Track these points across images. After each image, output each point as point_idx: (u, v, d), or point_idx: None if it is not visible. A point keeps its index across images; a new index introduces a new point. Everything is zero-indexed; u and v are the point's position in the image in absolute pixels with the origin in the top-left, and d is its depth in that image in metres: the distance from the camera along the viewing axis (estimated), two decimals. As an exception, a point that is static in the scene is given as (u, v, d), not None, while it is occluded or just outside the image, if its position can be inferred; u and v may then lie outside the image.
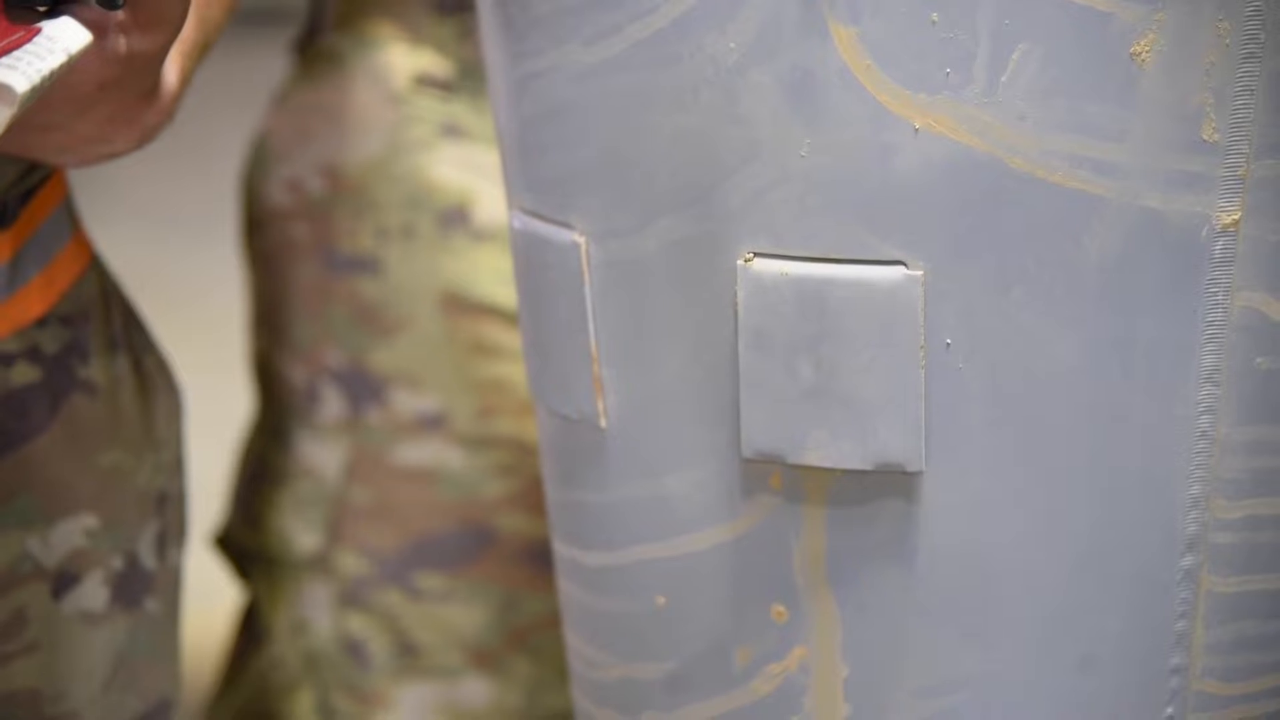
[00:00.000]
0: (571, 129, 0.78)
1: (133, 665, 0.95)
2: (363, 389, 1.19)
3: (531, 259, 0.83)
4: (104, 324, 0.94)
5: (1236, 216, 0.72)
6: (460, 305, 1.17)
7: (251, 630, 1.25)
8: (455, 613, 1.19)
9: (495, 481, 1.18)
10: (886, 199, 0.73)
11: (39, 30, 0.71)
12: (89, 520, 0.92)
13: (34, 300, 0.90)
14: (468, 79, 1.18)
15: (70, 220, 0.94)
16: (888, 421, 0.74)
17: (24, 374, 0.90)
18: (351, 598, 1.19)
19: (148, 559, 0.96)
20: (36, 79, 0.69)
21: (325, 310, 1.19)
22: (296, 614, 1.20)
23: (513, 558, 1.20)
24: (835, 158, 0.73)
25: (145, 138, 0.85)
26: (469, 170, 1.18)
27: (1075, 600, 0.76)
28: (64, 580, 0.91)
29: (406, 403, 1.18)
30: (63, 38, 0.71)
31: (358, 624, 1.19)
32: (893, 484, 0.76)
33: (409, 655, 1.19)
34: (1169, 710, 0.77)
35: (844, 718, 0.79)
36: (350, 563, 1.19)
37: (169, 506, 0.98)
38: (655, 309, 0.78)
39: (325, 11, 1.23)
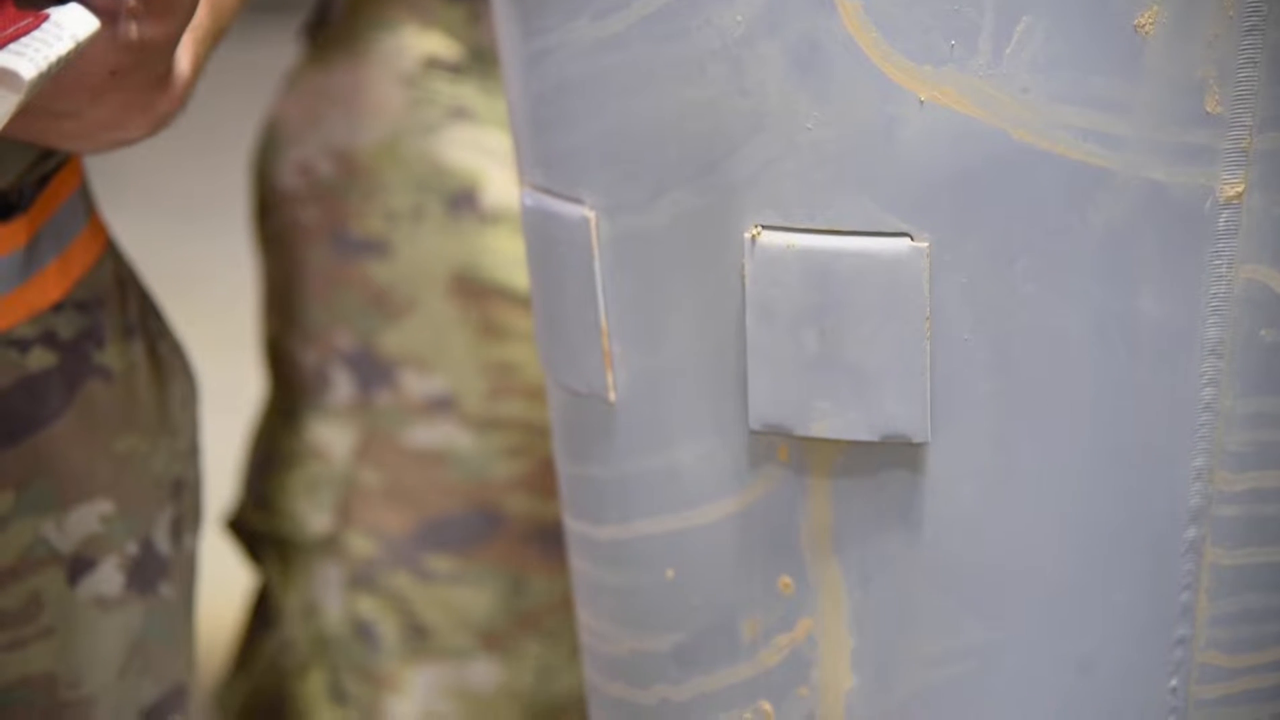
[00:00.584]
0: (581, 104, 0.79)
1: (147, 651, 0.95)
2: (372, 371, 1.19)
3: (542, 235, 0.84)
4: (120, 309, 0.95)
5: (1240, 189, 0.73)
6: (469, 287, 1.18)
7: (263, 614, 1.25)
8: (465, 594, 1.19)
9: (505, 463, 1.19)
10: (892, 171, 0.73)
11: (47, 17, 0.71)
12: (105, 506, 0.93)
13: (50, 285, 0.90)
14: (477, 62, 1.18)
15: (86, 206, 0.94)
16: (893, 393, 0.75)
17: (40, 359, 0.90)
18: (361, 579, 1.20)
19: (163, 545, 0.96)
20: (44, 65, 0.69)
21: (335, 293, 1.20)
22: (307, 596, 1.20)
23: (522, 540, 1.20)
24: (841, 130, 0.73)
25: (158, 125, 0.85)
26: (478, 153, 1.18)
27: (1079, 571, 0.76)
28: (79, 565, 0.92)
29: (416, 385, 1.18)
30: (71, 24, 0.71)
31: (368, 606, 1.20)
32: (898, 455, 0.76)
33: (419, 637, 1.19)
34: (1173, 682, 0.78)
35: (851, 688, 0.79)
36: (360, 544, 1.19)
37: (184, 492, 0.98)
38: (663, 283, 0.79)
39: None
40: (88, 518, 0.92)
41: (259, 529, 1.24)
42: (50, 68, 0.70)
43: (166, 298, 1.03)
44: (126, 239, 1.01)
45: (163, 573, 0.96)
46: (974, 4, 0.71)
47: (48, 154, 0.89)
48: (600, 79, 0.78)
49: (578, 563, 0.88)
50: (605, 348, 0.81)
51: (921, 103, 0.72)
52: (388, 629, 1.19)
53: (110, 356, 0.93)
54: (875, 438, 0.75)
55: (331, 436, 1.20)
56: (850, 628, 0.78)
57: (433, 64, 1.18)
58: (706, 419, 0.79)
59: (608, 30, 0.77)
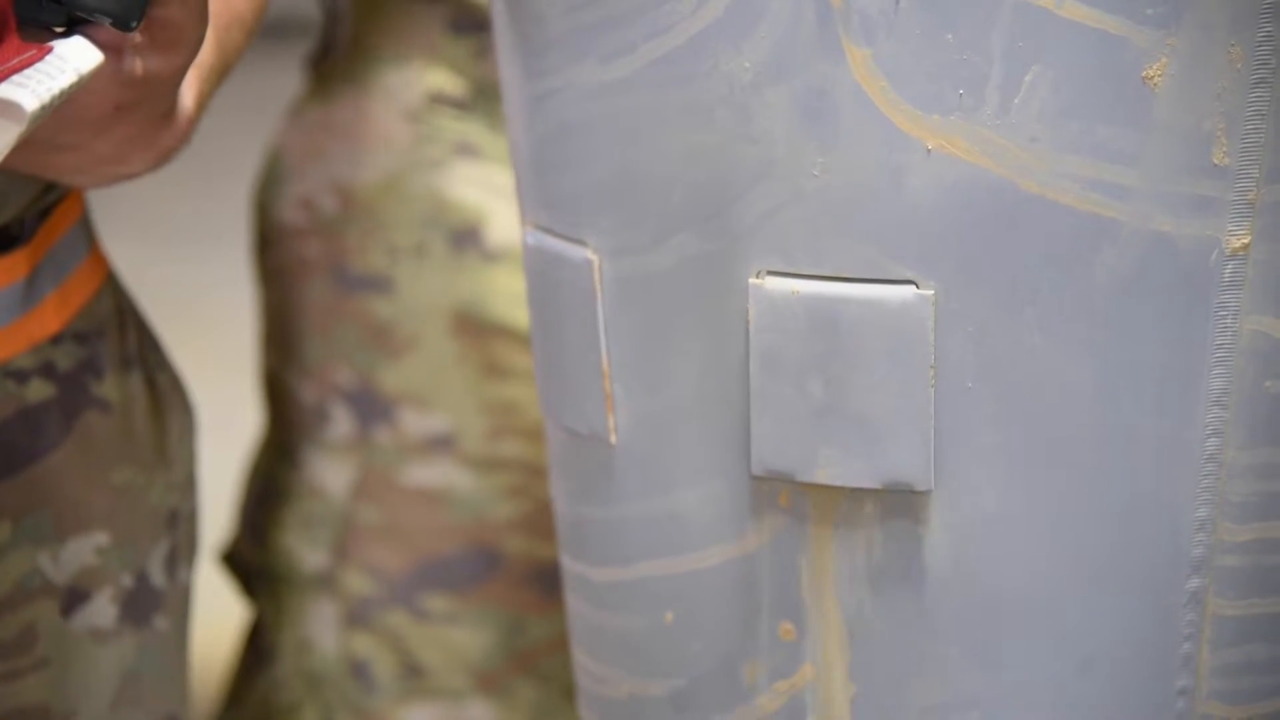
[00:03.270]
0: (586, 147, 0.79)
1: (139, 683, 0.95)
2: (372, 408, 1.19)
3: (545, 275, 0.84)
4: (119, 341, 0.94)
5: (1246, 240, 0.73)
6: (471, 326, 1.17)
7: (257, 649, 1.24)
8: (461, 635, 1.19)
9: (504, 503, 1.18)
10: (898, 219, 0.73)
11: (50, 49, 0.71)
12: (100, 538, 0.92)
13: (50, 317, 0.90)
14: (482, 98, 1.18)
15: (87, 237, 0.94)
16: (897, 441, 0.75)
17: (38, 391, 0.90)
18: (357, 618, 1.19)
19: (157, 577, 0.96)
20: (46, 98, 0.69)
21: (335, 329, 1.19)
22: (301, 633, 1.20)
23: (520, 581, 1.19)
24: (848, 177, 0.73)
25: (161, 159, 0.85)
26: (483, 189, 1.18)
27: (1082, 621, 0.76)
28: (74, 597, 0.92)
29: (415, 423, 1.18)
30: (74, 58, 0.72)
31: (363, 644, 1.19)
32: (901, 503, 0.76)
33: (414, 677, 1.19)
34: (1174, 733, 0.77)
35: (850, 736, 0.79)
36: (357, 582, 1.19)
37: (180, 525, 0.98)
38: (667, 326, 0.79)
39: (339, 28, 1.23)
40: (83, 549, 0.92)
41: (254, 564, 1.24)
42: (53, 100, 0.70)
43: (164, 327, 1.03)
44: (125, 269, 1.01)
45: (157, 605, 0.96)
46: (982, 54, 0.71)
47: (50, 187, 0.89)
48: (606, 122, 0.77)
49: (575, 604, 0.88)
50: (607, 390, 0.81)
51: (929, 151, 0.72)
52: (383, 668, 1.19)
53: (108, 388, 0.93)
54: (878, 485, 0.75)
55: (329, 473, 1.20)
56: (851, 675, 0.78)
57: (438, 99, 1.18)
58: (708, 463, 0.79)
59: (614, 74, 0.77)
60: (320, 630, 1.19)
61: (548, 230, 0.83)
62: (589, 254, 0.80)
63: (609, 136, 0.78)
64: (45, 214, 0.90)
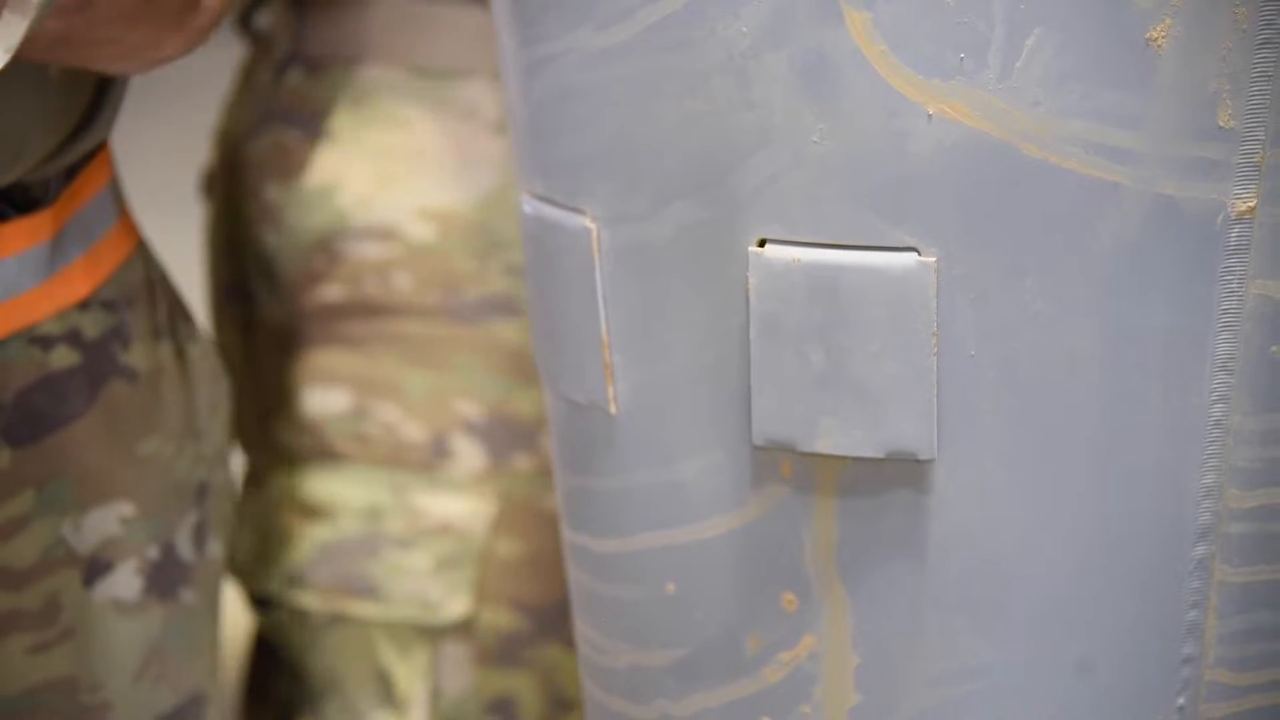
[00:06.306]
0: (583, 114, 0.78)
1: (165, 657, 0.95)
2: (508, 438, 1.15)
3: (543, 244, 0.83)
4: (149, 310, 0.94)
5: (1252, 204, 0.72)
6: None
7: (271, 655, 1.21)
8: None
9: None
10: (899, 185, 0.72)
11: None
12: (125, 508, 0.92)
13: (77, 281, 0.90)
14: None
15: (116, 203, 0.94)
16: (899, 409, 0.74)
17: (63, 358, 0.90)
18: (500, 655, 1.15)
19: (185, 550, 0.96)
20: None
21: (452, 359, 1.15)
22: (432, 680, 1.16)
23: None
24: (848, 143, 0.72)
25: (193, 42, 0.87)
26: None
27: (1087, 589, 0.76)
28: (95, 567, 0.92)
29: None
30: None
31: (506, 682, 1.15)
32: (904, 472, 0.75)
33: (562, 710, 1.16)
34: (1181, 700, 0.77)
35: (854, 706, 0.79)
36: (500, 619, 1.15)
37: (209, 498, 0.97)
38: (666, 295, 0.78)
39: (308, 37, 1.18)
40: (107, 519, 0.92)
41: (356, 615, 1.19)
42: None
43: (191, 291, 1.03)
44: (151, 232, 1.01)
45: (184, 579, 0.95)
46: (983, 17, 0.70)
47: (70, 140, 0.89)
48: (603, 88, 0.77)
49: (577, 575, 0.88)
50: (606, 359, 0.81)
51: (930, 116, 0.71)
52: (528, 703, 1.15)
53: (136, 357, 0.93)
54: (881, 454, 0.75)
55: (458, 509, 1.16)
56: (854, 645, 0.78)
57: None
58: (709, 433, 0.79)
59: (611, 40, 0.76)
60: (451, 673, 1.16)
61: (545, 199, 0.82)
62: (587, 222, 0.79)
63: (606, 103, 0.77)
64: (70, 176, 0.89)
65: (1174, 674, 0.77)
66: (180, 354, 0.96)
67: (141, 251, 0.95)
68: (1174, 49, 0.70)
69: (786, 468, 0.77)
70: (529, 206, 0.84)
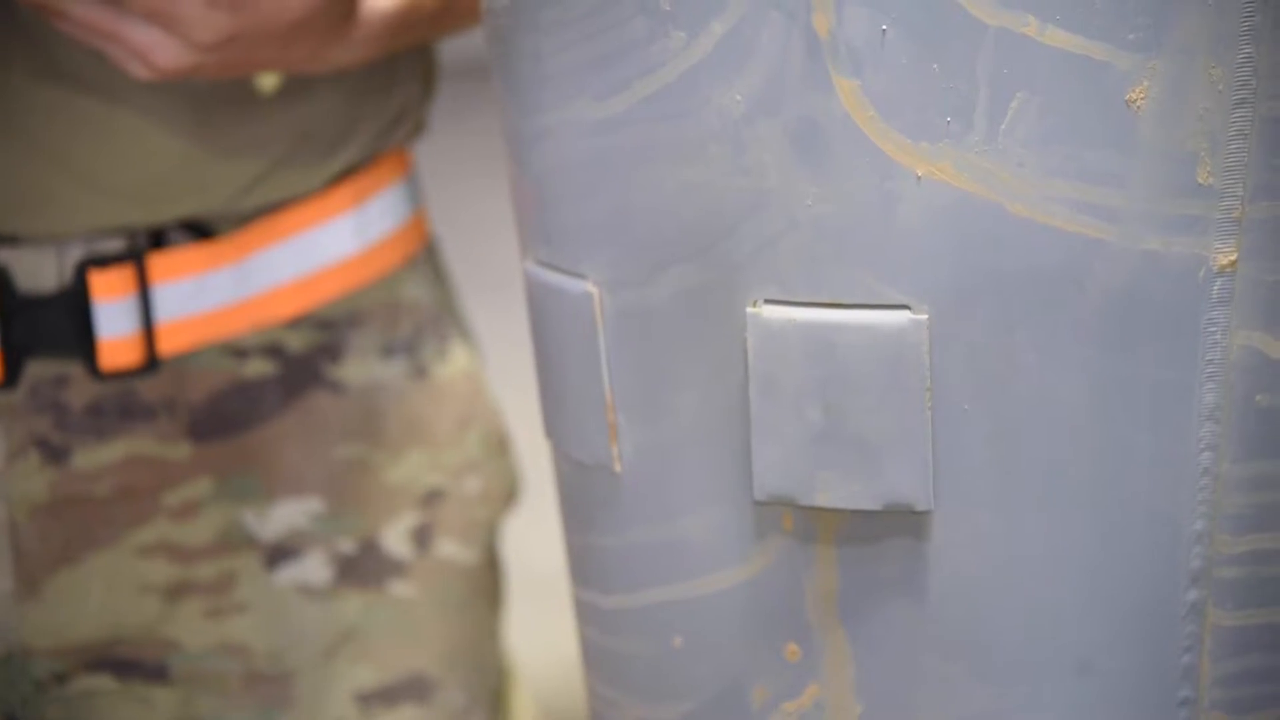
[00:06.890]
0: (582, 183, 0.80)
1: (366, 640, 1.02)
2: None
3: (546, 308, 0.84)
4: (383, 330, 1.02)
5: (1233, 257, 0.73)
6: None
7: None
8: None
9: None
10: (891, 245, 0.74)
11: None
12: (315, 504, 1.01)
13: (280, 304, 0.99)
14: None
15: (358, 235, 1.02)
16: (896, 462, 0.75)
17: (257, 368, 0.99)
18: None
19: (397, 547, 1.03)
20: None
21: None
22: None
23: None
24: (841, 206, 0.74)
25: (370, 48, 0.94)
26: None
27: (1083, 636, 0.77)
28: (279, 553, 1.00)
29: None
30: None
31: None
32: (902, 523, 0.77)
33: None
34: (1178, 743, 0.78)
35: (858, 754, 0.79)
36: None
37: (443, 503, 1.04)
38: (668, 356, 0.79)
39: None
40: (293, 512, 1.00)
41: None
42: None
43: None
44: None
45: (393, 572, 1.02)
46: (968, 82, 0.72)
47: (254, 186, 0.96)
48: (601, 159, 0.78)
49: (585, 631, 0.88)
50: (610, 420, 0.82)
51: (919, 178, 0.73)
52: None
53: (347, 371, 1.01)
54: (879, 506, 0.76)
55: None
56: (856, 693, 0.79)
57: None
58: (712, 489, 0.80)
59: (608, 111, 0.77)
60: None
61: (548, 264, 0.83)
62: (589, 287, 0.81)
63: (604, 173, 0.78)
64: (245, 220, 0.98)
65: (1171, 717, 0.77)
66: (421, 371, 1.03)
67: (396, 279, 1.03)
68: (1153, 110, 0.72)
69: (788, 521, 0.78)
70: (532, 272, 0.85)
